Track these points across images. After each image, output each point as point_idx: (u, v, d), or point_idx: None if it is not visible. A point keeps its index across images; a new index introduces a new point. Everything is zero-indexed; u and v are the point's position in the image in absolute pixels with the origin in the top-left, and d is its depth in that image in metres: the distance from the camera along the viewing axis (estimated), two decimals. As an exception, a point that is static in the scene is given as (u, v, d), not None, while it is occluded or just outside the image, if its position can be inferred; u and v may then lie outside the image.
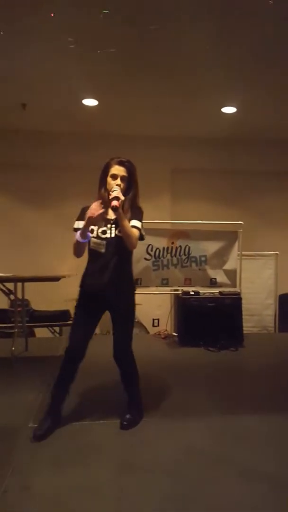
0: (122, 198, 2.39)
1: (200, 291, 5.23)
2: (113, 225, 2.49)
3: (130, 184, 2.55)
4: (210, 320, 4.90)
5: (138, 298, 2.68)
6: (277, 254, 6.69)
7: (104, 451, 2.28)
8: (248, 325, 6.29)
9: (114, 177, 2.49)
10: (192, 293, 5.13)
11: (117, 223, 2.45)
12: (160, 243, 5.35)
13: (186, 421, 2.67)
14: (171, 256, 5.40)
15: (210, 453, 2.27)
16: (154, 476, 2.03)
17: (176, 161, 6.91)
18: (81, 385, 2.96)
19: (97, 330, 3.05)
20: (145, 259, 5.30)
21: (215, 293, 5.22)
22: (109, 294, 2.48)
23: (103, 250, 2.48)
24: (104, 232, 2.50)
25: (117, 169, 2.50)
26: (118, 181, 2.49)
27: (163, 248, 5.35)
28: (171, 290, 5.66)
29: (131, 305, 2.61)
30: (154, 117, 5.99)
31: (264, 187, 7.26)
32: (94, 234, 2.48)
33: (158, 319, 6.65)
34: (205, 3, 3.36)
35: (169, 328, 5.63)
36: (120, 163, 2.51)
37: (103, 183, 2.55)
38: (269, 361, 4.31)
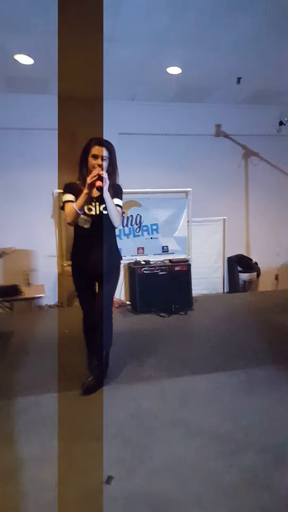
0: (106, 177, 2.52)
1: (151, 260, 5.34)
2: (97, 203, 2.68)
3: (110, 163, 2.70)
4: (161, 287, 5.06)
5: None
6: (224, 219, 6.92)
7: (57, 423, 2.37)
8: (199, 288, 6.55)
9: (95, 157, 2.63)
10: (143, 262, 5.24)
11: (100, 200, 2.63)
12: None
13: (136, 387, 2.82)
14: (123, 226, 5.44)
15: (157, 415, 2.43)
16: (103, 442, 2.16)
17: (122, 125, 6.76)
18: (34, 359, 3.01)
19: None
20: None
21: (165, 261, 5.36)
22: (98, 269, 2.73)
23: (87, 226, 2.69)
24: (89, 210, 2.69)
25: (98, 150, 2.63)
26: (99, 161, 2.62)
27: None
28: (123, 260, 5.73)
29: (117, 273, 2.91)
30: (99, 77, 5.75)
31: (210, 151, 7.33)
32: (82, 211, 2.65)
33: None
34: None
35: (122, 297, 5.75)
36: (100, 144, 2.64)
37: (84, 163, 2.70)
38: (215, 322, 4.54)
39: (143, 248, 5.56)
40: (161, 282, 5.09)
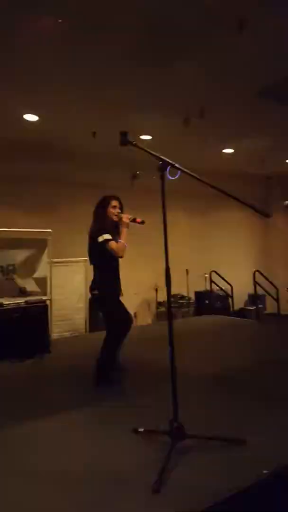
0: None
1: (5, 302, 5.15)
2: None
3: (121, 209, 3.63)
4: (15, 331, 4.86)
5: None
6: (86, 259, 7.11)
7: None
8: (60, 330, 6.53)
9: (115, 207, 3.58)
10: (-4, 304, 5.02)
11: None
12: None
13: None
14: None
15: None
16: None
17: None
18: None
19: None
20: None
21: (21, 303, 5.22)
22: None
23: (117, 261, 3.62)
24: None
25: (115, 202, 3.61)
26: (117, 209, 3.58)
27: None
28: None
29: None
30: None
31: (72, 196, 7.60)
32: None
33: None
34: None
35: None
36: (116, 198, 3.64)
37: (104, 213, 3.57)
38: (72, 362, 4.56)
39: (-3, 290, 5.34)
40: (16, 326, 4.87)
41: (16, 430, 2.74)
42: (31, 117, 5.88)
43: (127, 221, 3.49)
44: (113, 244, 3.40)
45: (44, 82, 4.77)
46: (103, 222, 3.52)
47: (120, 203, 3.66)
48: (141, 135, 6.62)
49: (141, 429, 2.51)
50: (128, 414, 2.88)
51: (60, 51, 4.15)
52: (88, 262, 3.87)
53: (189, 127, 5.92)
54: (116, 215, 3.55)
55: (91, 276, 7.07)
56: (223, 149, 7.88)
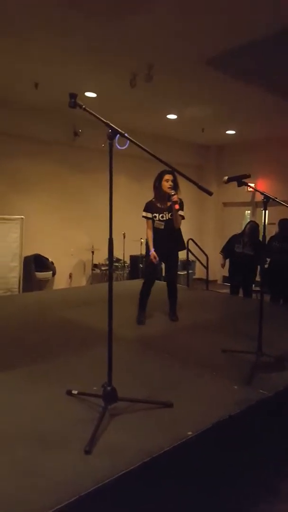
0: (177, 199, 3.98)
1: None
2: (166, 212, 4.15)
3: (175, 184, 4.05)
4: None
5: None
6: (22, 218, 6.89)
7: None
8: (-8, 288, 6.35)
9: (167, 181, 4.03)
10: None
11: (169, 210, 4.11)
12: None
13: None
14: None
15: None
16: None
17: None
18: None
19: None
20: None
21: None
22: (166, 252, 4.28)
23: (162, 227, 4.19)
24: (162, 217, 4.18)
25: (168, 176, 4.04)
26: (170, 182, 4.02)
27: None
28: None
29: (178, 257, 4.62)
30: None
31: (12, 151, 7.19)
32: (157, 218, 4.18)
33: None
34: None
35: None
36: (169, 172, 4.02)
37: (159, 187, 4.11)
38: (4, 322, 4.49)
39: None
40: None
41: None
42: None
43: (174, 199, 3.96)
44: (148, 223, 4.23)
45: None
46: (156, 194, 4.18)
47: (174, 177, 4.05)
48: (86, 91, 6.34)
49: (75, 392, 2.59)
50: (62, 376, 2.95)
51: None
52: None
53: (135, 88, 5.79)
54: (169, 187, 4.02)
55: (27, 235, 6.99)
56: (167, 114, 7.83)
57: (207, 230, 10.89)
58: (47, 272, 7.40)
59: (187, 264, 8.19)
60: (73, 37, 4.67)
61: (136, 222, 8.86)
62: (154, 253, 4.17)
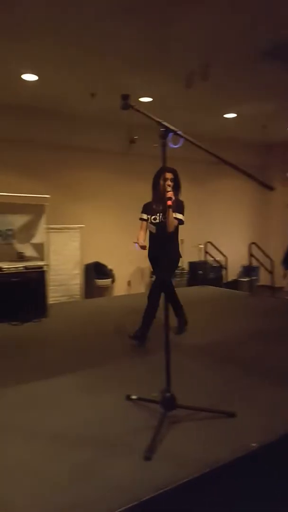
0: (173, 197, 3.53)
1: (5, 266, 5.15)
2: (159, 214, 3.70)
3: (175, 183, 3.64)
4: (13, 295, 4.91)
5: None
6: (82, 226, 7.08)
7: None
8: (56, 295, 6.57)
9: (165, 180, 3.41)
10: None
11: (163, 213, 3.55)
12: None
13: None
14: None
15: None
16: None
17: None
18: None
19: None
20: None
21: (20, 268, 5.22)
22: (156, 257, 3.82)
23: (154, 231, 3.75)
24: (154, 219, 3.74)
25: (168, 175, 3.48)
26: (169, 182, 3.54)
27: None
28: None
29: (168, 263, 3.77)
30: None
31: (71, 161, 7.44)
32: (149, 221, 3.78)
33: None
34: None
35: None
36: (169, 170, 3.50)
37: (156, 186, 3.66)
38: (68, 327, 4.62)
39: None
40: (14, 290, 4.94)
41: (9, 392, 2.80)
42: (30, 77, 5.64)
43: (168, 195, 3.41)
44: (142, 224, 3.84)
45: (41, 40, 4.55)
46: (154, 194, 3.77)
47: (175, 175, 3.64)
48: (140, 97, 6.38)
49: (134, 397, 2.56)
50: (121, 381, 2.94)
51: (54, 5, 3.91)
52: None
53: (191, 89, 5.71)
54: (164, 189, 3.40)
55: (86, 243, 7.16)
56: (225, 113, 7.65)
57: (272, 234, 10.40)
58: (106, 280, 7.53)
59: (250, 270, 7.91)
60: (130, 42, 4.70)
61: (195, 228, 8.77)
62: (140, 243, 3.67)
